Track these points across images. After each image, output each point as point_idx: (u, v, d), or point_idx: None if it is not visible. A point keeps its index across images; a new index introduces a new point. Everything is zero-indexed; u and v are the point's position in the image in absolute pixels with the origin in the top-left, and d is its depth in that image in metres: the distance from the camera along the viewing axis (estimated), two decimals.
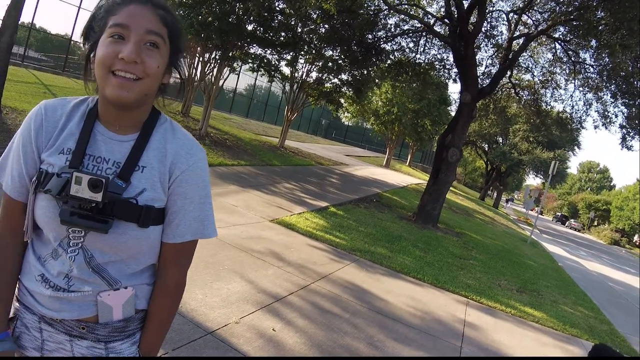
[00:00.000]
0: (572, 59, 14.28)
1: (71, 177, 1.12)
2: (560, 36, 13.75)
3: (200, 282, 4.49)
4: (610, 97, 14.24)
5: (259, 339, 3.74)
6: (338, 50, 17.18)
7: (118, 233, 1.18)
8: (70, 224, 1.16)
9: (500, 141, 42.96)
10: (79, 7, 17.87)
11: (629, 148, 14.22)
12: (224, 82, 16.19)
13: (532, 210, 37.87)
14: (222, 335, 3.62)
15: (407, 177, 29.19)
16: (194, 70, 16.13)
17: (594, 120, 15.13)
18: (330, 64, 17.75)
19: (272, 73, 16.65)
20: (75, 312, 1.24)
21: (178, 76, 1.32)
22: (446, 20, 13.46)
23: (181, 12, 12.49)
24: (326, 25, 15.47)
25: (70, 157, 1.20)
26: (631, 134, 14.09)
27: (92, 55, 1.21)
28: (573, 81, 15.21)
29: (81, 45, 1.29)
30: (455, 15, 12.80)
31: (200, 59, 15.65)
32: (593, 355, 1.10)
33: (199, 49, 14.96)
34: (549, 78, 16.39)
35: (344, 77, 18.99)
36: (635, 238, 64.06)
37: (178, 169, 1.25)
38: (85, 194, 1.11)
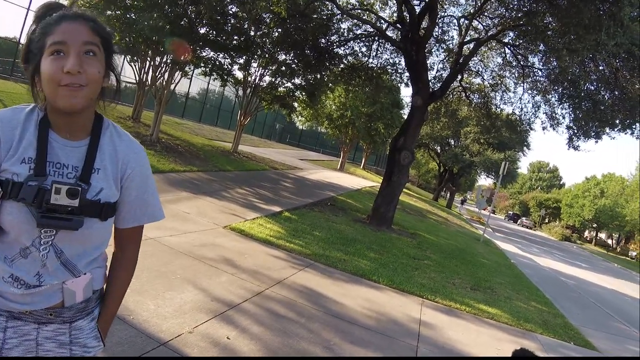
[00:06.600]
0: (521, 63, 14.72)
1: (51, 188, 1.28)
2: (510, 41, 14.17)
3: (152, 292, 4.38)
4: (558, 99, 14.73)
5: (214, 347, 3.68)
6: (291, 55, 17.20)
7: (85, 228, 1.35)
8: (47, 226, 1.29)
9: (452, 143, 43.73)
10: (28, 9, 17.03)
11: (576, 148, 14.74)
12: (175, 87, 15.93)
13: (484, 209, 38.77)
14: (175, 345, 3.55)
15: (361, 180, 29.42)
16: (144, 75, 15.78)
17: (542, 121, 15.63)
18: (283, 68, 17.73)
19: (225, 77, 16.45)
20: (45, 302, 1.38)
21: (115, 78, 1.47)
22: (398, 25, 13.63)
23: (132, 15, 12.24)
24: (279, 29, 15.46)
25: (33, 165, 1.31)
26: (577, 135, 14.60)
27: (35, 75, 1.33)
28: (522, 84, 15.70)
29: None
30: (407, 20, 12.98)
31: (151, 62, 15.35)
32: None
33: (149, 52, 14.69)
34: (499, 81, 16.85)
35: (297, 81, 18.95)
36: (586, 234, 66.65)
37: (130, 167, 1.47)
38: (64, 202, 1.28)
